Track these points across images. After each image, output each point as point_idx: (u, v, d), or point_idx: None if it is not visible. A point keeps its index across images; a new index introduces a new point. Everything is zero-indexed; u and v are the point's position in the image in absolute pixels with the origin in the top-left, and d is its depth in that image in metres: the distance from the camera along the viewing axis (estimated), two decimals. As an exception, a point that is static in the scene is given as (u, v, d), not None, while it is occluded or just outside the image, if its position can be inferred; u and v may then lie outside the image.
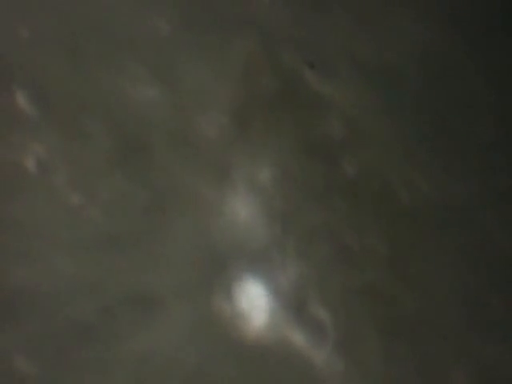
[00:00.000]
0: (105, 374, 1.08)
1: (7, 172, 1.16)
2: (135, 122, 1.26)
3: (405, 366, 1.23)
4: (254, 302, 1.20)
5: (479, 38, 1.61)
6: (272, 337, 1.18)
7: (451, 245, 1.36)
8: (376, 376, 1.21)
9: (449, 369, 1.25)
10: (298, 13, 1.47)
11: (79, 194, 1.18)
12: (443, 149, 1.46)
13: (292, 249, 1.26)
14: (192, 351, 1.13)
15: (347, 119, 1.41)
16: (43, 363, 1.07)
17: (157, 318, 1.13)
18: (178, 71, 1.33)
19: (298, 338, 1.19)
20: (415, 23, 1.57)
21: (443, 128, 1.48)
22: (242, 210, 1.26)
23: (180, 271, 1.18)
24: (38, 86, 1.24)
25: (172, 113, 1.30)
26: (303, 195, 1.31)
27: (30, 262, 1.11)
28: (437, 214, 1.38)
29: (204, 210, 1.23)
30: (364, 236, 1.31)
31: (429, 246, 1.35)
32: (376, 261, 1.30)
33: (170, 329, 1.13)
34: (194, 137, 1.29)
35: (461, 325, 1.29)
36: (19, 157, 1.17)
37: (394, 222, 1.35)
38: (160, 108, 1.29)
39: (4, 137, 1.18)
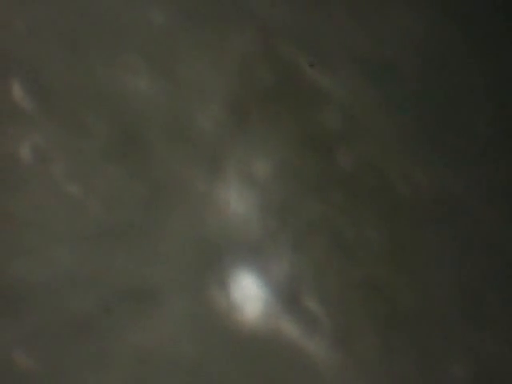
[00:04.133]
0: (103, 367, 1.09)
1: (4, 163, 1.16)
2: (133, 114, 1.26)
3: (402, 360, 1.23)
4: (250, 294, 1.20)
5: (478, 32, 1.60)
6: (268, 329, 1.18)
7: (450, 238, 1.36)
8: (373, 370, 1.21)
9: (447, 363, 1.25)
10: (296, 7, 1.47)
11: (76, 186, 1.18)
12: (442, 142, 1.45)
13: (288, 242, 1.25)
14: (188, 343, 1.13)
15: (345, 112, 1.40)
16: (42, 357, 1.07)
17: (153, 311, 1.14)
18: (176, 63, 1.33)
19: (293, 330, 1.19)
20: (414, 18, 1.57)
21: (442, 121, 1.48)
22: (239, 203, 1.26)
23: (176, 264, 1.18)
24: (35, 77, 1.23)
25: (170, 105, 1.29)
26: (300, 188, 1.31)
27: (28, 254, 1.11)
28: (435, 207, 1.38)
29: (201, 203, 1.23)
30: (361, 229, 1.31)
31: (427, 239, 1.34)
32: (374, 254, 1.30)
33: (166, 322, 1.13)
34: (191, 129, 1.29)
35: (460, 319, 1.29)
36: (16, 148, 1.17)
37: (393, 216, 1.34)
38: (157, 100, 1.29)
39: (1, 128, 1.18)
